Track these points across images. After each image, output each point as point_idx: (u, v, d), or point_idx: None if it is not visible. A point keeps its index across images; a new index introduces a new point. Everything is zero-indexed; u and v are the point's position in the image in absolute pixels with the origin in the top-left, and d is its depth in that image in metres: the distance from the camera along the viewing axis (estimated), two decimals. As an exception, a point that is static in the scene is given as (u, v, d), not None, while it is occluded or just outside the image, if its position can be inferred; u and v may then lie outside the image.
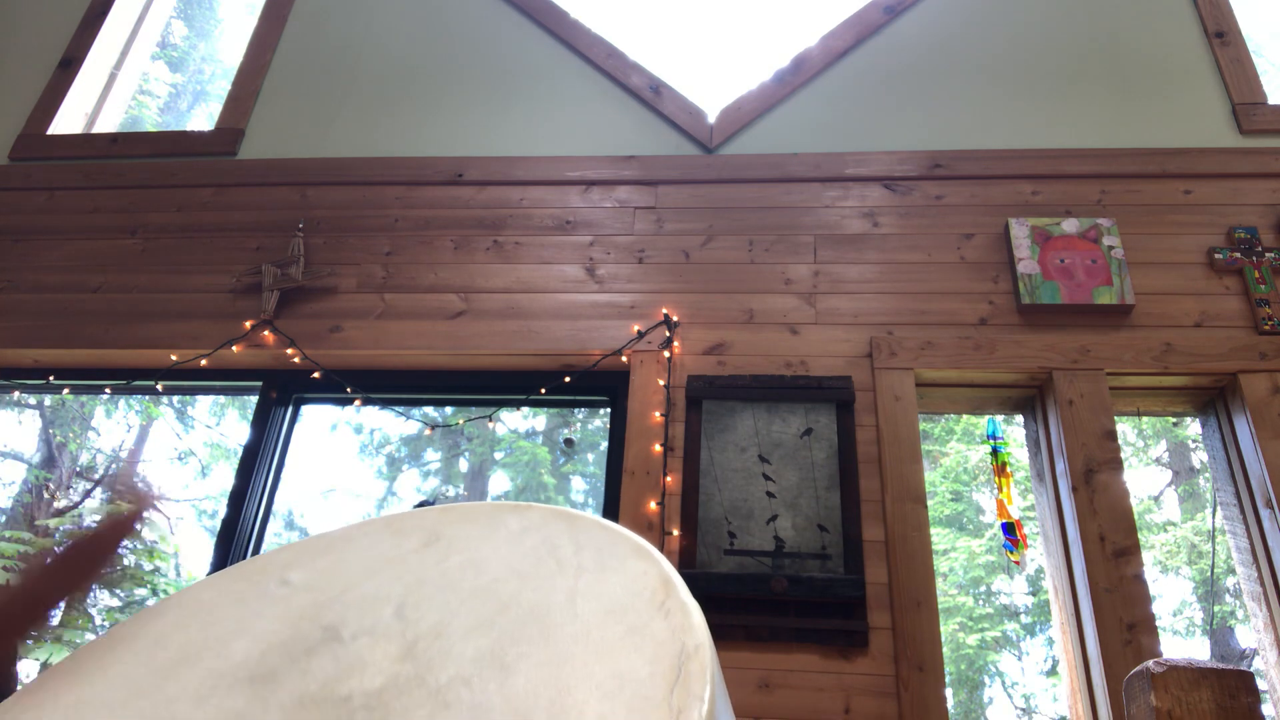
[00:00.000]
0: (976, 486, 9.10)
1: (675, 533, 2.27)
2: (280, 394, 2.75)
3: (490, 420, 3.48)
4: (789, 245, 2.72)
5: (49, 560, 0.80)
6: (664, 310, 2.61)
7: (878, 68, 3.06)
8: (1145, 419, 7.74)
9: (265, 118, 3.24)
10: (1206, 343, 2.40)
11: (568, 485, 10.66)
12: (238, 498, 2.60)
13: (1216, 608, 8.16)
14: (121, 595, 7.67)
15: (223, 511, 2.61)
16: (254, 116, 3.25)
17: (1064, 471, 2.31)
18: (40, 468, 8.34)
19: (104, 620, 7.58)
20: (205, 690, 0.65)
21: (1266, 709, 2.28)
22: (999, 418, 2.63)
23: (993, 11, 3.12)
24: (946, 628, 8.36)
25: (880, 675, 2.08)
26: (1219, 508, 2.44)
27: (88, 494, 8.59)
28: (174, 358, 2.73)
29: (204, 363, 2.71)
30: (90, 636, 7.32)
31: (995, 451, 2.54)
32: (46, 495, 8.19)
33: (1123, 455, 2.34)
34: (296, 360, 2.68)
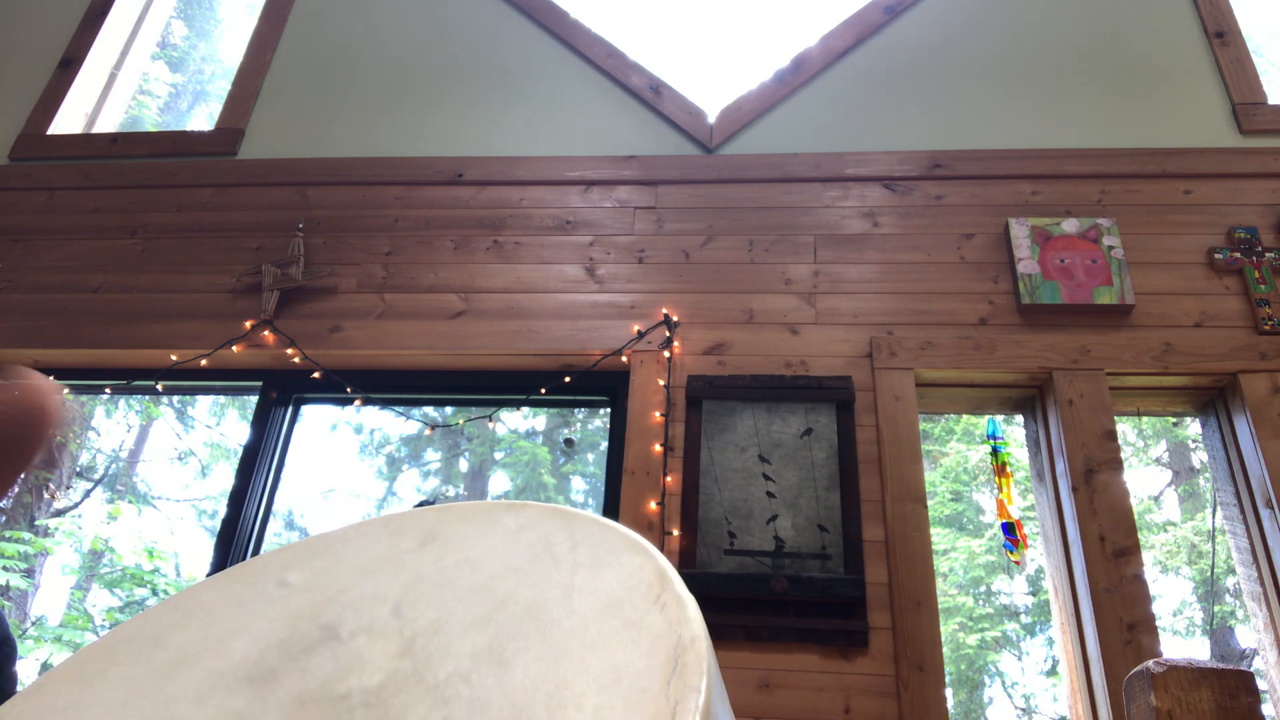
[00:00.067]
0: (976, 486, 9.10)
1: (675, 533, 2.27)
2: (280, 394, 2.76)
3: (490, 420, 3.49)
4: (789, 245, 2.72)
5: None
6: (664, 310, 2.61)
7: (878, 68, 3.06)
8: (1145, 419, 7.75)
9: (265, 118, 3.24)
10: (1206, 343, 2.40)
11: (568, 485, 10.66)
12: (238, 498, 2.60)
13: (1216, 608, 8.16)
14: (121, 595, 7.68)
15: (223, 511, 2.61)
16: (254, 116, 3.25)
17: (1064, 471, 2.31)
18: (40, 468, 8.34)
19: (104, 620, 7.58)
20: (205, 690, 0.65)
21: (1266, 709, 2.28)
22: (999, 418, 2.63)
23: (993, 11, 3.12)
24: (946, 628, 8.36)
25: (880, 675, 2.08)
26: (1219, 508, 2.44)
27: (87, 494, 8.59)
28: (174, 358, 2.73)
29: (204, 363, 2.71)
30: (90, 636, 7.32)
31: (995, 451, 2.54)
32: (46, 495, 8.20)
33: (1123, 455, 2.34)
34: (296, 360, 2.68)
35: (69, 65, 3.46)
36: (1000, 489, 2.50)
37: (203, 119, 11.05)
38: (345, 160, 3.06)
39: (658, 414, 2.43)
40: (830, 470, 2.30)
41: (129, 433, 9.63)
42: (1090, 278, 2.51)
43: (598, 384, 2.65)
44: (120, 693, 0.68)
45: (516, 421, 10.40)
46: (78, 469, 8.76)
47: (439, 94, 3.20)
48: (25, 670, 6.54)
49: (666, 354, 2.53)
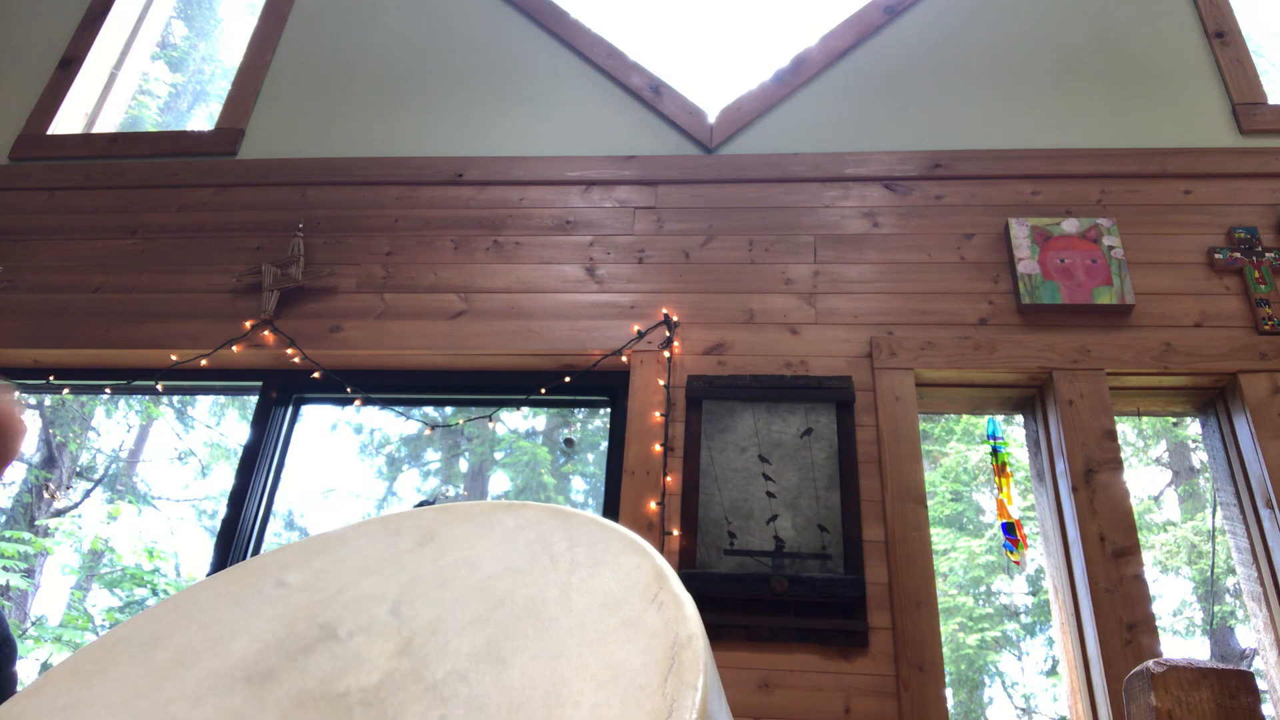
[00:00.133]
0: (976, 486, 9.10)
1: (675, 533, 2.27)
2: (280, 394, 2.76)
3: (490, 420, 3.49)
4: (789, 245, 2.72)
5: None
6: (664, 310, 2.61)
7: (878, 68, 3.06)
8: (1145, 419, 7.75)
9: (265, 118, 3.24)
10: (1206, 343, 2.40)
11: (568, 485, 10.66)
12: (238, 498, 2.60)
13: (1216, 608, 8.16)
14: (121, 595, 7.68)
15: (223, 511, 2.61)
16: (254, 116, 3.25)
17: (1064, 471, 2.31)
18: (40, 468, 8.34)
19: (104, 620, 7.59)
20: (203, 690, 0.65)
21: (1266, 709, 2.28)
22: (999, 418, 2.63)
23: (992, 12, 3.12)
24: (946, 628, 8.36)
25: (880, 675, 2.08)
26: (1219, 508, 2.44)
27: (87, 494, 8.59)
28: (174, 358, 2.73)
29: (204, 363, 2.71)
30: (90, 636, 7.32)
31: (995, 451, 2.54)
32: (46, 495, 8.20)
33: (1123, 455, 2.34)
34: (296, 360, 2.68)
35: (69, 65, 3.46)
36: (1000, 489, 2.50)
37: (203, 119, 11.05)
38: (345, 160, 3.06)
39: (658, 414, 2.43)
40: (830, 470, 2.30)
41: (129, 433, 9.64)
42: (1090, 278, 2.51)
43: (598, 384, 2.65)
44: (119, 693, 0.68)
45: (516, 421, 10.40)
46: (78, 469, 8.76)
47: (439, 94, 3.20)
48: (25, 670, 6.54)
49: (666, 354, 2.53)
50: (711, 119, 3.01)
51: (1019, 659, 9.14)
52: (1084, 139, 2.82)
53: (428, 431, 10.31)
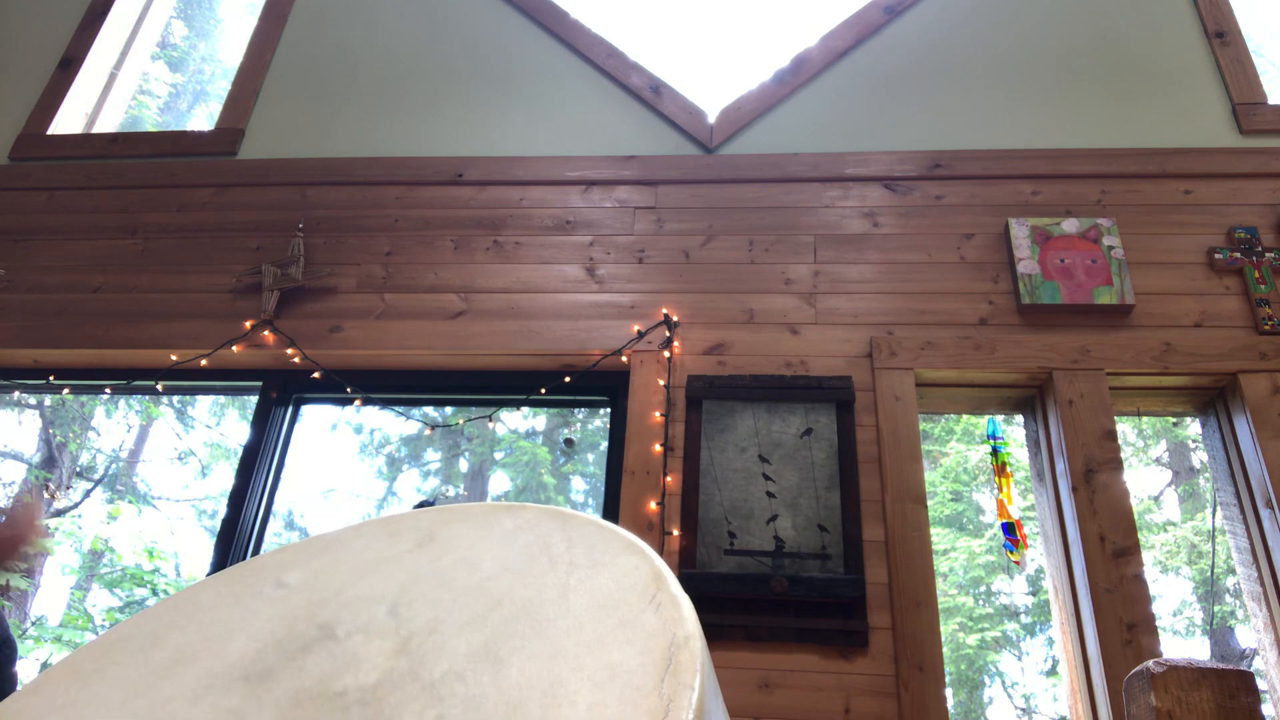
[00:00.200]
0: (976, 486, 9.10)
1: (675, 533, 2.27)
2: (280, 394, 2.76)
3: (490, 420, 3.49)
4: (789, 245, 2.72)
5: None
6: (664, 310, 2.61)
7: (878, 68, 3.06)
8: (1145, 419, 7.75)
9: (265, 118, 3.24)
10: (1206, 343, 2.40)
11: (568, 485, 10.67)
12: (238, 498, 2.60)
13: (1216, 608, 8.16)
14: (121, 595, 7.68)
15: (223, 511, 2.61)
16: (254, 116, 3.25)
17: (1064, 471, 2.30)
18: (40, 468, 8.34)
19: (104, 620, 7.58)
20: (201, 689, 0.65)
21: (1266, 709, 2.28)
22: (999, 418, 2.63)
23: (992, 12, 3.12)
24: (946, 628, 8.36)
25: (880, 675, 2.08)
26: (1219, 508, 2.44)
27: (87, 494, 8.59)
28: (174, 358, 2.73)
29: (204, 363, 2.71)
30: (90, 636, 7.32)
31: (995, 451, 2.54)
32: (46, 495, 8.20)
33: (1123, 455, 2.34)
34: (296, 360, 2.68)
35: (69, 65, 3.46)
36: (1000, 489, 2.50)
37: (203, 119, 11.05)
38: (345, 160, 3.06)
39: (658, 414, 2.43)
40: (830, 470, 2.30)
41: (129, 433, 9.64)
42: (1090, 278, 2.51)
43: (598, 384, 2.65)
44: (117, 692, 0.68)
45: (516, 421, 10.40)
46: (78, 469, 8.76)
47: (439, 94, 3.20)
48: (25, 670, 6.54)
49: (666, 354, 2.53)
50: (711, 119, 3.01)
51: (1019, 659, 9.14)
52: (1084, 139, 2.82)
53: (428, 431, 10.31)
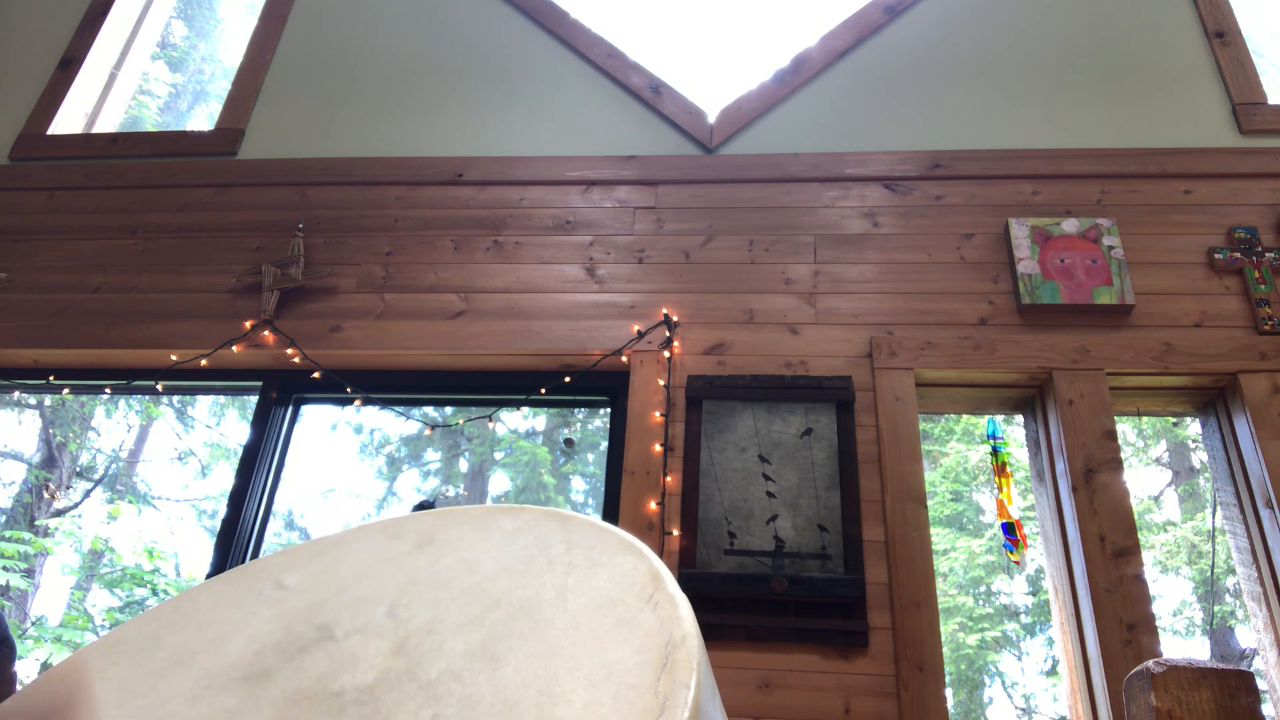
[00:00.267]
0: (976, 486, 9.10)
1: (675, 533, 2.27)
2: (280, 394, 2.76)
3: (490, 420, 3.49)
4: (789, 245, 2.72)
5: None
6: (664, 310, 2.61)
7: (878, 68, 3.06)
8: (1145, 419, 7.75)
9: (265, 118, 3.24)
10: (1206, 343, 2.40)
11: (568, 485, 10.67)
12: (238, 498, 2.60)
13: (1216, 608, 8.16)
14: (121, 595, 7.68)
15: (223, 511, 2.61)
16: (254, 116, 3.25)
17: (1064, 471, 2.30)
18: (40, 468, 8.34)
19: (104, 620, 7.59)
20: (199, 690, 0.65)
21: (1266, 709, 2.28)
22: (999, 418, 2.63)
23: (992, 12, 3.12)
24: (946, 628, 8.36)
25: (880, 675, 2.08)
26: (1219, 508, 2.44)
27: (87, 494, 8.60)
28: (174, 358, 2.73)
29: (204, 363, 2.71)
30: (90, 636, 7.32)
31: (995, 451, 2.54)
32: (46, 495, 8.20)
33: (1123, 455, 2.34)
34: (296, 360, 2.68)
35: (69, 65, 3.46)
36: (1000, 489, 2.50)
37: (203, 119, 11.05)
38: (345, 160, 3.06)
39: (658, 414, 2.43)
40: (830, 470, 2.30)
41: (129, 433, 9.64)
42: (1090, 278, 2.51)
43: (598, 384, 2.65)
44: (116, 692, 0.68)
45: (516, 421, 10.41)
46: (78, 469, 8.76)
47: (439, 94, 3.20)
48: (25, 670, 6.54)
49: (666, 354, 2.53)
50: (711, 119, 3.01)
51: (1019, 659, 9.14)
52: (1084, 139, 2.82)
53: (428, 431, 10.31)
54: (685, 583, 2.19)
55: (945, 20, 3.13)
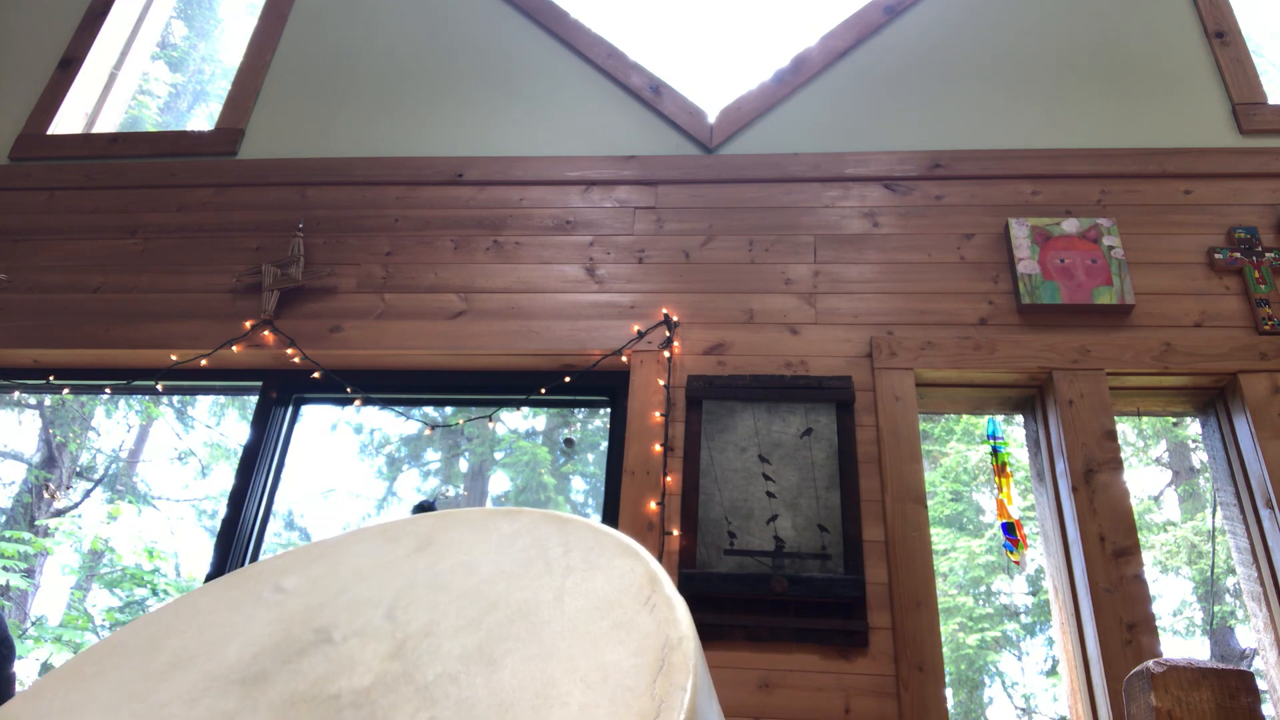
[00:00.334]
0: (976, 486, 9.10)
1: (675, 533, 2.27)
2: (280, 394, 2.76)
3: (490, 420, 3.49)
4: (789, 245, 2.72)
5: None
6: (664, 310, 2.61)
7: (878, 68, 3.06)
8: (1145, 419, 7.75)
9: (265, 118, 3.24)
10: (1206, 343, 2.40)
11: (568, 485, 10.67)
12: (238, 498, 2.60)
13: (1216, 608, 8.16)
14: (121, 595, 7.68)
15: (223, 511, 2.61)
16: (254, 116, 3.25)
17: (1064, 471, 2.30)
18: (40, 468, 8.34)
19: (104, 620, 7.59)
20: (197, 692, 0.66)
21: (1266, 709, 2.28)
22: (999, 418, 2.63)
23: (992, 12, 3.12)
24: (946, 628, 8.36)
25: (880, 675, 2.08)
26: (1219, 508, 2.44)
27: (87, 494, 8.60)
28: (174, 358, 2.73)
29: (204, 363, 2.71)
30: (90, 636, 7.32)
31: (995, 451, 2.54)
32: (46, 495, 8.20)
33: (1123, 455, 2.34)
34: (296, 360, 2.68)
35: (69, 65, 3.46)
36: (1000, 489, 2.50)
37: (203, 119, 11.05)
38: (345, 160, 3.06)
39: (658, 414, 2.43)
40: (830, 470, 2.30)
41: (129, 433, 9.64)
42: (1090, 278, 2.51)
43: (598, 384, 2.65)
44: (115, 695, 0.68)
45: (516, 421, 10.41)
46: (78, 469, 8.77)
47: (439, 94, 3.20)
48: (25, 670, 6.54)
49: (666, 354, 2.53)
50: (711, 119, 3.01)
51: (1019, 659, 9.14)
52: (1084, 139, 2.82)
53: (428, 431, 10.31)
54: (685, 583, 2.19)
55: (945, 20, 3.12)
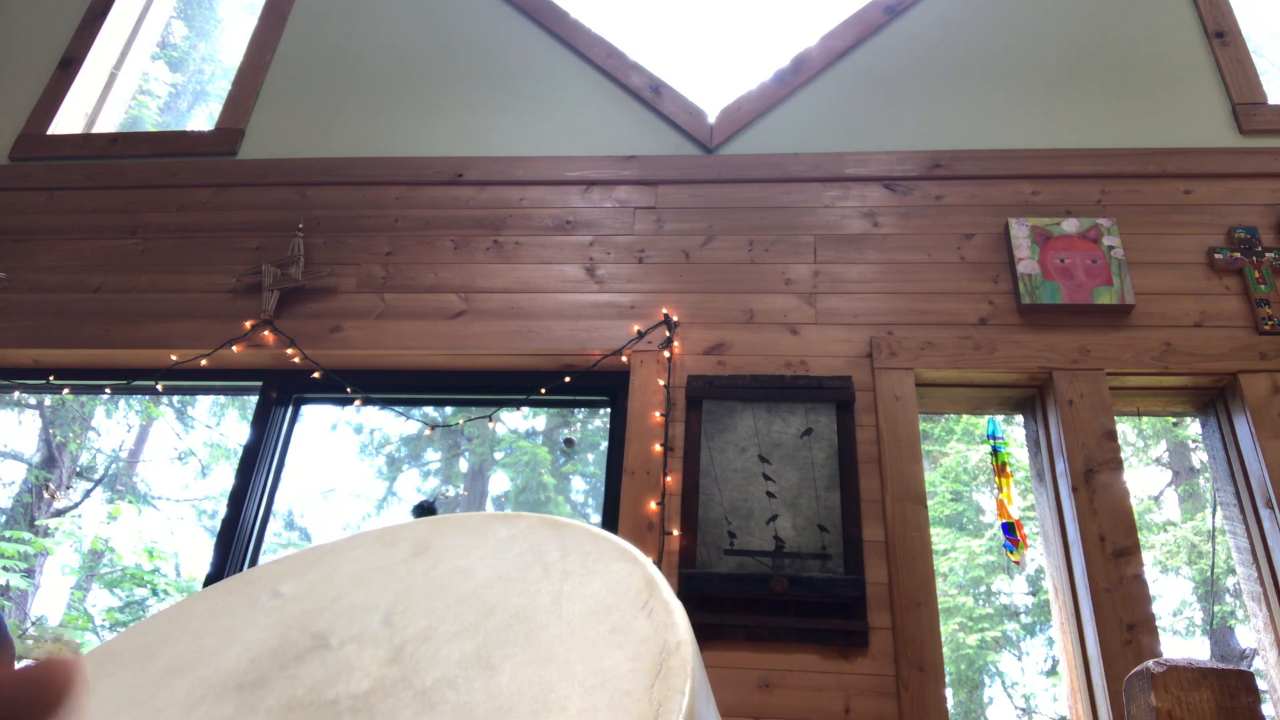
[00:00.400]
0: (976, 486, 9.10)
1: (675, 533, 2.27)
2: (280, 394, 2.76)
3: (490, 420, 3.49)
4: (789, 245, 2.72)
5: None
6: (664, 310, 2.61)
7: (878, 68, 3.06)
8: (1145, 419, 7.75)
9: (265, 118, 3.24)
10: (1206, 343, 2.40)
11: (568, 485, 10.67)
12: (238, 498, 2.60)
13: (1216, 608, 8.16)
14: (121, 595, 7.68)
15: (223, 511, 2.61)
16: (254, 116, 3.25)
17: (1064, 471, 2.30)
18: (40, 468, 8.34)
19: (104, 620, 7.59)
20: (195, 699, 0.66)
21: (1266, 709, 2.28)
22: (999, 418, 2.63)
23: (992, 12, 3.12)
24: (946, 628, 8.36)
25: (880, 675, 2.08)
26: (1219, 508, 2.43)
27: (87, 494, 8.60)
28: (174, 358, 2.73)
29: (204, 363, 2.71)
30: (90, 637, 7.32)
31: (995, 451, 2.54)
32: (46, 495, 8.20)
33: (1123, 455, 2.34)
34: (296, 360, 2.68)
35: (69, 65, 3.46)
36: (1000, 489, 2.50)
37: (203, 119, 11.05)
38: (345, 160, 3.06)
39: (658, 414, 2.43)
40: (830, 470, 2.30)
41: (129, 433, 9.64)
42: (1090, 278, 2.51)
43: (598, 384, 2.65)
44: (111, 701, 0.68)
45: (516, 421, 10.41)
46: (78, 469, 8.77)
47: (439, 94, 3.20)
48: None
49: (666, 354, 2.53)
50: (711, 119, 3.01)
51: (1019, 659, 9.14)
52: (1084, 139, 2.82)
53: (428, 431, 10.31)
54: (685, 583, 2.19)
55: (945, 20, 3.12)
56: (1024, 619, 8.97)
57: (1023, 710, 8.98)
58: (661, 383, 2.48)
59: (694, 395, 2.43)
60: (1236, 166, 2.70)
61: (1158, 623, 2.10)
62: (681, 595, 2.16)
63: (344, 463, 11.80)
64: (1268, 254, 2.52)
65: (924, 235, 2.69)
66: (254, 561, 2.57)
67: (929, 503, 4.47)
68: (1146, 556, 7.35)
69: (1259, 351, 2.37)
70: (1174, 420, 8.39)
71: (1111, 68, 2.95)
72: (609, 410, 2.69)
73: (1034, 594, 8.91)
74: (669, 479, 2.34)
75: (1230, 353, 2.38)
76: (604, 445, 8.89)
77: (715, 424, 2.40)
